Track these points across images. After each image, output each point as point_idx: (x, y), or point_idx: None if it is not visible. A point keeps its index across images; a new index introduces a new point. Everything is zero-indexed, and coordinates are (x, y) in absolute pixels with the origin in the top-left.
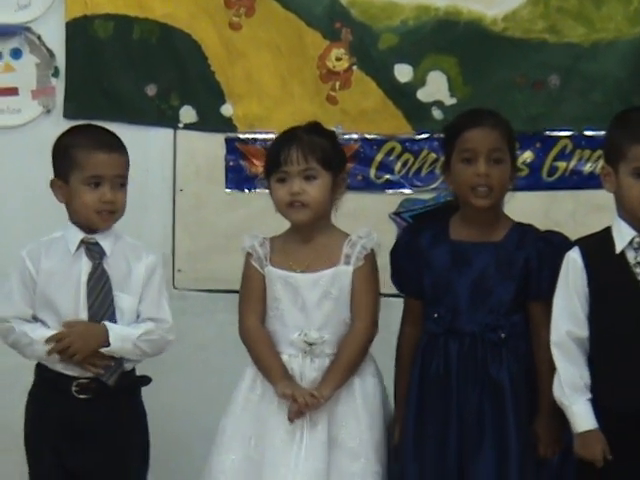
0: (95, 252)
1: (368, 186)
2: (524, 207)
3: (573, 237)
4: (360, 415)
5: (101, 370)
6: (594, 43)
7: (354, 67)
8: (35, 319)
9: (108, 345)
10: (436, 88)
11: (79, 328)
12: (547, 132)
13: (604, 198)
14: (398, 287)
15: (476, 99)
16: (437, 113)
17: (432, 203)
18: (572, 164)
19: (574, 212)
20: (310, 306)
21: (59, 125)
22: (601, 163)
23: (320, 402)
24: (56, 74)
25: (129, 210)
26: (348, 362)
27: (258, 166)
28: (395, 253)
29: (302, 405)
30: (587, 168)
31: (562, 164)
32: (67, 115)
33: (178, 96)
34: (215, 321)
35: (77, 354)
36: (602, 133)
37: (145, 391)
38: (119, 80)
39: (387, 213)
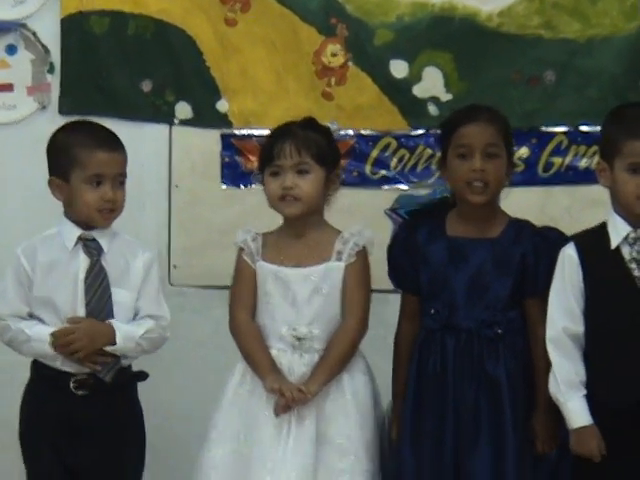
0: (92, 249)
1: (364, 182)
2: (520, 203)
3: (569, 232)
4: (349, 412)
5: (98, 367)
6: (589, 39)
7: (349, 63)
8: (31, 316)
9: (114, 344)
10: (432, 84)
11: (86, 325)
12: (543, 128)
13: (600, 193)
14: (395, 283)
15: (472, 95)
16: (433, 109)
17: (428, 199)
18: (568, 160)
19: (570, 208)
20: (300, 301)
21: (54, 121)
22: (597, 159)
23: (307, 398)
24: (51, 70)
25: (125, 206)
26: (337, 358)
27: (254, 162)
28: (392, 249)
29: (289, 400)
30: (583, 164)
31: (558, 160)
32: (62, 111)
33: (173, 92)
34: (211, 317)
35: (81, 351)
36: (598, 129)
37: (142, 387)
38: (114, 76)
39: (383, 209)
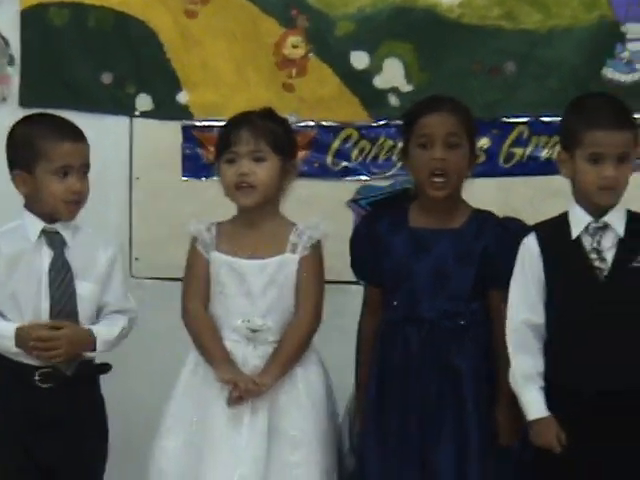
0: (56, 242)
1: (325, 173)
2: (481, 194)
3: (530, 223)
4: (303, 405)
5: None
6: (550, 29)
7: (310, 54)
8: None
9: (94, 350)
10: (392, 75)
11: (68, 333)
12: (503, 118)
13: (561, 184)
14: (358, 275)
15: (432, 86)
16: (394, 100)
17: (389, 190)
18: (529, 150)
19: (531, 198)
20: (255, 293)
21: (15, 114)
22: (558, 149)
23: (261, 390)
24: (11, 63)
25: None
26: (292, 351)
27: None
28: (354, 241)
29: (243, 392)
30: (544, 154)
31: (519, 150)
32: (23, 104)
33: (134, 84)
34: (173, 309)
35: (60, 357)
36: (558, 119)
37: (103, 379)
38: (75, 68)
39: (344, 200)
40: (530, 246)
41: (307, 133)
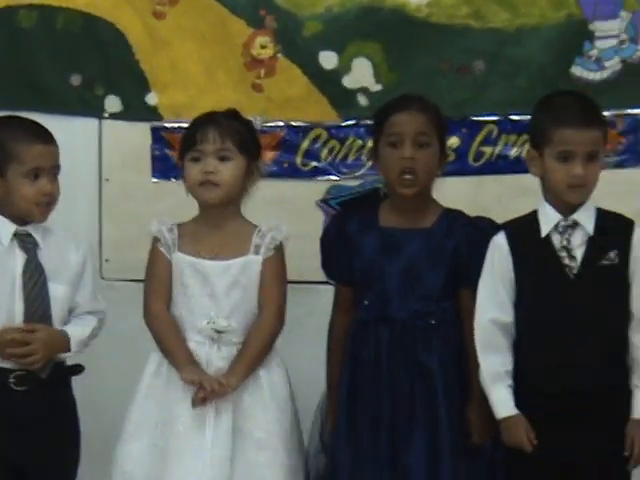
0: (28, 244)
1: (294, 173)
2: (451, 192)
3: (500, 222)
4: (268, 406)
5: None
6: (518, 28)
7: (279, 55)
8: None
9: (69, 351)
10: (361, 74)
11: (43, 335)
12: (473, 117)
13: (530, 182)
14: (328, 275)
15: (401, 85)
16: (363, 99)
17: (359, 190)
18: (498, 149)
19: (500, 197)
20: (219, 294)
21: None
22: (527, 147)
23: (227, 391)
24: None
25: None
26: (256, 352)
27: None
28: (324, 241)
29: (208, 392)
30: (513, 153)
31: (488, 149)
32: None
33: (103, 86)
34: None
35: (38, 362)
36: (527, 118)
37: (75, 381)
38: (43, 70)
39: (314, 200)
40: (499, 244)
41: (276, 133)
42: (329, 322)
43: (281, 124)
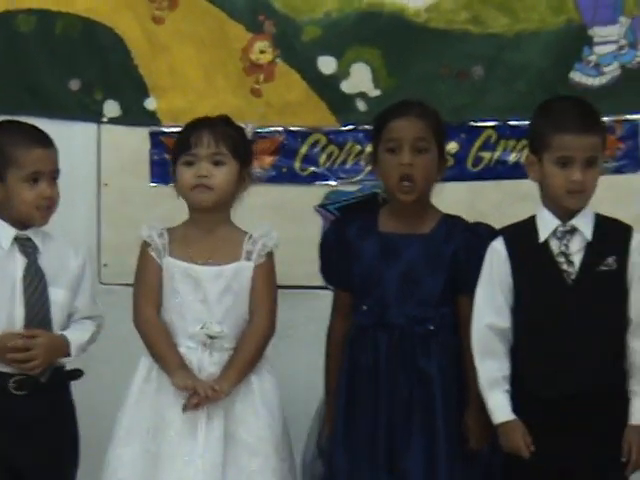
0: (29, 248)
1: (293, 178)
2: (449, 198)
3: (499, 227)
4: (259, 412)
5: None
6: (517, 33)
7: (278, 59)
8: None
9: (68, 356)
10: (360, 80)
11: (44, 341)
12: (471, 122)
13: (529, 188)
14: (327, 280)
15: (400, 90)
16: (361, 105)
17: (358, 195)
18: (497, 154)
19: (499, 202)
20: (211, 299)
21: None
22: (525, 153)
23: (220, 396)
24: None
25: None
26: (248, 358)
27: None
28: (323, 246)
29: (202, 398)
30: (512, 158)
31: (487, 154)
32: None
33: (101, 90)
34: None
35: (38, 367)
36: (526, 123)
37: (74, 385)
38: (42, 75)
39: (312, 205)
40: (497, 250)
41: (275, 138)
42: (328, 327)
43: (280, 129)
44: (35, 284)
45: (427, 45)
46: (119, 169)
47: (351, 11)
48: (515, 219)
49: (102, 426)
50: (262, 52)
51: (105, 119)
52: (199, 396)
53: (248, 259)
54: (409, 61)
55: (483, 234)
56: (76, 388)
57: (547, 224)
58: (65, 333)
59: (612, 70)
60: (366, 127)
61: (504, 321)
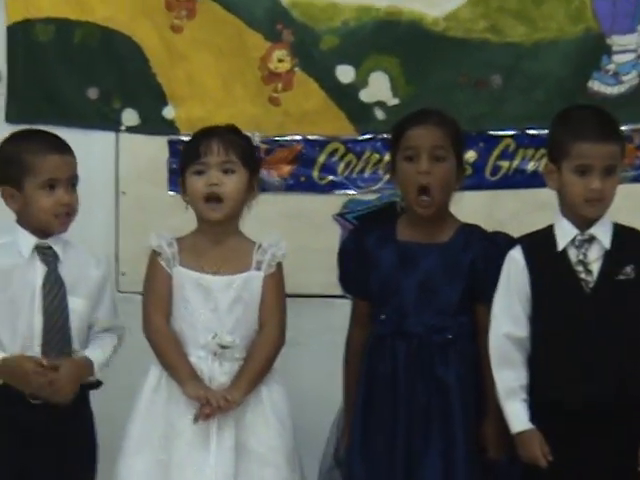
0: (49, 257)
1: (311, 187)
2: (467, 207)
3: (517, 236)
4: (269, 422)
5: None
6: (536, 42)
7: (296, 68)
8: None
9: (92, 375)
10: (378, 88)
11: (68, 371)
12: (490, 131)
13: (547, 197)
14: (346, 289)
15: (419, 99)
16: (380, 114)
17: (376, 204)
18: (515, 163)
19: (517, 211)
20: (222, 309)
21: (2, 130)
22: (544, 162)
23: (232, 406)
24: None
25: None
26: (259, 368)
27: None
28: (342, 255)
29: (215, 408)
30: (530, 167)
31: (505, 163)
32: (10, 120)
33: (120, 99)
34: None
35: (68, 396)
36: (545, 132)
37: (92, 394)
38: (61, 84)
39: (331, 214)
40: (515, 259)
41: (293, 147)
42: (346, 336)
43: (298, 138)
44: (54, 293)
45: (445, 54)
46: (137, 177)
47: (369, 20)
48: (533, 228)
49: (120, 435)
50: (280, 61)
51: (123, 128)
52: (211, 406)
53: (258, 269)
54: (427, 70)
55: (501, 243)
56: (95, 397)
57: (565, 233)
58: (87, 353)
59: (631, 79)
60: (384, 136)
61: (521, 330)
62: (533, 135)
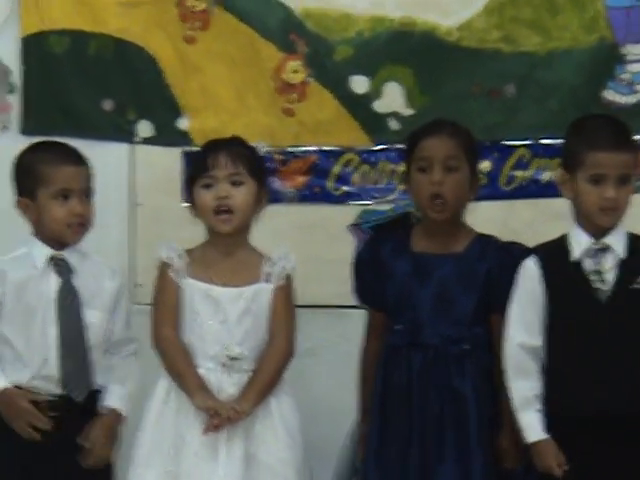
0: (63, 268)
1: (326, 198)
2: (482, 217)
3: (532, 246)
4: (278, 434)
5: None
6: (549, 52)
7: (310, 79)
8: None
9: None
10: (392, 99)
11: (100, 433)
12: (504, 141)
13: (562, 206)
14: (360, 299)
15: (433, 109)
16: (394, 124)
17: (391, 214)
18: (529, 173)
19: (532, 221)
20: (231, 321)
21: (17, 142)
22: (558, 171)
23: (241, 417)
24: (12, 91)
25: None
26: (268, 379)
27: None
28: (357, 265)
29: (224, 419)
30: (544, 176)
31: (519, 173)
32: (24, 132)
33: (134, 110)
34: None
35: (110, 453)
36: (559, 141)
37: None
38: (76, 95)
39: (345, 225)
40: (530, 268)
41: (307, 158)
42: (362, 347)
43: (312, 149)
44: (68, 304)
45: (459, 64)
46: (152, 189)
47: (383, 30)
48: (548, 237)
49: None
50: (294, 71)
51: (138, 139)
52: (220, 417)
53: (267, 281)
54: (441, 80)
55: (516, 253)
56: None
57: (580, 242)
58: (107, 399)
59: None
60: (399, 146)
61: (536, 340)
62: (547, 145)
